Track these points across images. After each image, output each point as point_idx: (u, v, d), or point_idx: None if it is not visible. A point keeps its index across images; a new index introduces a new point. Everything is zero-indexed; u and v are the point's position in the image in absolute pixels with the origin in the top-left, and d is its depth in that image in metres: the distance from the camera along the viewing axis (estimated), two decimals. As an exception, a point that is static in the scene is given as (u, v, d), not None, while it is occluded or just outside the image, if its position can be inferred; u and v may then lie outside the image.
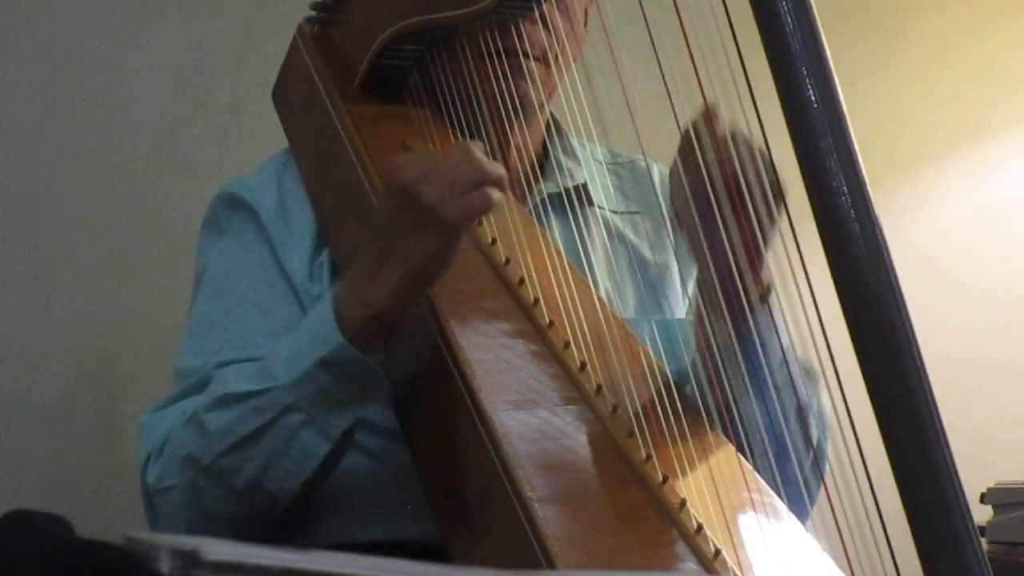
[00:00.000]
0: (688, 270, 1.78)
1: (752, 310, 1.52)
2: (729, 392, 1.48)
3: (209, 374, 1.63)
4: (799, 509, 1.47)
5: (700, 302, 1.57)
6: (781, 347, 1.54)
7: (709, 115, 1.49)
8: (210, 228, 1.76)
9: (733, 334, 1.50)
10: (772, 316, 1.53)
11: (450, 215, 1.47)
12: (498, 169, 1.49)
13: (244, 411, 1.54)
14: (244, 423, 1.54)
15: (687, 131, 1.51)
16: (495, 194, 1.48)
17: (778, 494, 1.46)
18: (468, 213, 1.48)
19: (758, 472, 1.48)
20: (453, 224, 1.48)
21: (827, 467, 1.60)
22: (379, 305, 1.50)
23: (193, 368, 1.65)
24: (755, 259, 1.50)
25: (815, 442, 1.60)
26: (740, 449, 1.50)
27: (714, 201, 1.47)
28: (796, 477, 1.47)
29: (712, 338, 1.51)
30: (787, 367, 1.55)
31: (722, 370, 1.48)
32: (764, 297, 1.54)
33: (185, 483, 1.58)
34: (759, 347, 1.50)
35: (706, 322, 1.54)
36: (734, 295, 1.50)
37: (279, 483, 1.55)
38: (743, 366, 1.48)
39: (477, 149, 1.50)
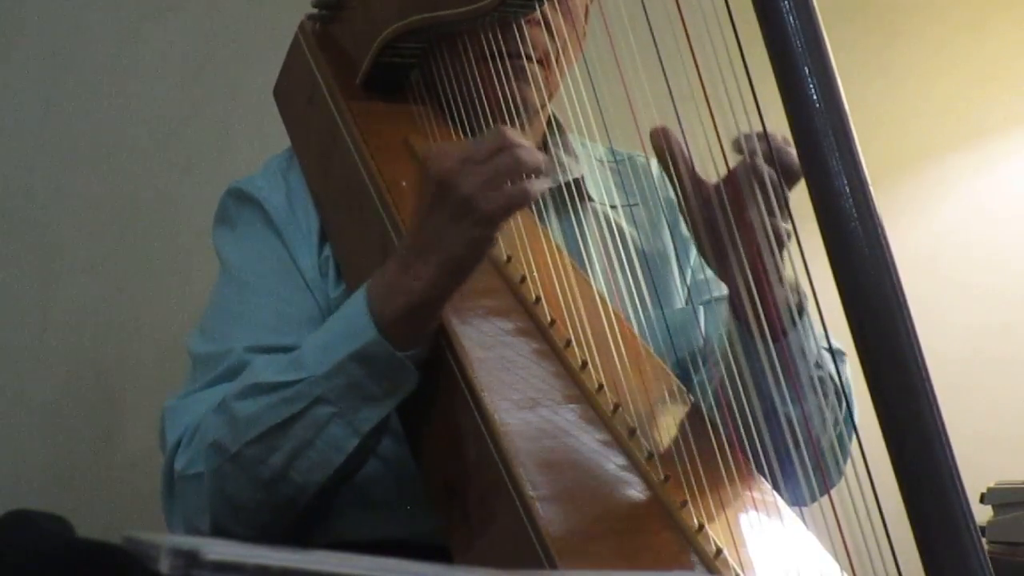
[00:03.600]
0: (686, 259, 1.78)
1: (793, 322, 1.51)
2: (778, 399, 1.47)
3: (241, 360, 1.62)
4: (833, 477, 1.46)
5: (733, 325, 1.55)
6: (817, 344, 1.53)
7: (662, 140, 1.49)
8: (222, 222, 1.76)
9: (770, 350, 1.48)
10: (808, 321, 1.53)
11: (488, 208, 1.45)
12: (535, 156, 1.47)
13: (273, 401, 1.54)
14: (273, 413, 1.53)
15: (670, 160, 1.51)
16: (533, 186, 1.46)
17: (817, 474, 1.44)
18: (505, 207, 1.47)
19: (784, 468, 1.46)
20: (491, 217, 1.46)
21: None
22: (418, 295, 1.49)
23: (212, 353, 1.65)
24: (777, 264, 1.49)
25: (843, 415, 1.59)
26: (777, 453, 1.48)
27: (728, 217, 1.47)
28: (833, 456, 1.46)
29: (745, 357, 1.49)
30: (823, 356, 1.55)
31: (751, 389, 1.46)
32: (801, 305, 1.54)
33: (211, 470, 1.57)
34: (800, 356, 1.49)
35: (738, 343, 1.52)
36: (772, 311, 1.49)
37: (305, 474, 1.54)
38: (783, 378, 1.46)
39: (513, 134, 1.48)
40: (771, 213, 1.45)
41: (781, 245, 1.48)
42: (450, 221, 1.46)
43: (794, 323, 1.52)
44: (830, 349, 1.58)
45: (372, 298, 1.51)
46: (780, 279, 1.50)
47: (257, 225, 1.71)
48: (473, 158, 1.46)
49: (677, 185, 1.51)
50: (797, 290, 1.54)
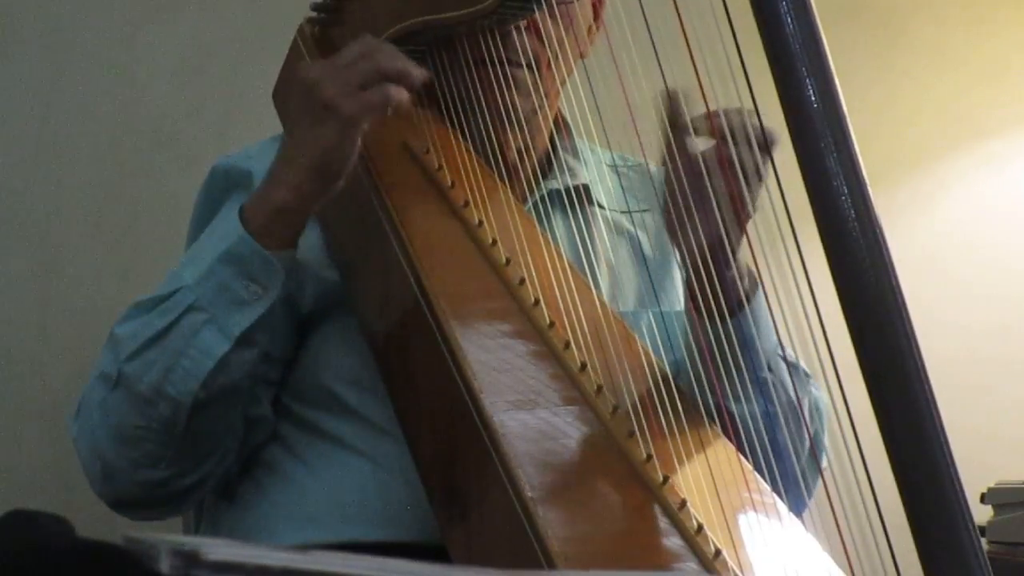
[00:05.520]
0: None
1: (740, 305, 1.52)
2: (720, 391, 1.48)
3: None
4: (796, 502, 1.47)
5: (688, 302, 1.57)
6: (779, 339, 1.54)
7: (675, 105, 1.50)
8: (201, 198, 1.80)
9: (720, 332, 1.50)
10: (758, 312, 1.53)
11: (346, 109, 1.52)
12: (397, 63, 1.53)
13: (152, 315, 1.59)
14: (150, 325, 1.58)
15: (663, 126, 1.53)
16: (394, 91, 1.52)
17: (775, 489, 1.46)
18: (364, 107, 1.53)
19: (757, 470, 1.48)
20: (349, 118, 1.52)
21: (824, 460, 1.60)
22: (281, 200, 1.56)
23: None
24: (735, 241, 1.51)
25: (812, 435, 1.60)
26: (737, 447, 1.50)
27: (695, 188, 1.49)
28: (791, 472, 1.47)
29: (702, 337, 1.51)
30: (778, 363, 1.55)
31: (713, 370, 1.48)
32: (753, 285, 1.54)
33: (96, 404, 1.61)
34: (748, 344, 1.50)
35: (695, 321, 1.54)
36: (720, 290, 1.50)
37: (179, 385, 1.57)
38: (733, 364, 1.48)
39: (377, 42, 1.55)
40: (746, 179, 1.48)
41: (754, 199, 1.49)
42: (313, 125, 1.53)
43: (742, 305, 1.53)
44: (795, 365, 1.59)
45: (244, 208, 1.58)
46: (734, 258, 1.52)
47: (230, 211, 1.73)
48: (336, 64, 1.53)
49: (665, 147, 1.52)
50: (749, 275, 1.56)
